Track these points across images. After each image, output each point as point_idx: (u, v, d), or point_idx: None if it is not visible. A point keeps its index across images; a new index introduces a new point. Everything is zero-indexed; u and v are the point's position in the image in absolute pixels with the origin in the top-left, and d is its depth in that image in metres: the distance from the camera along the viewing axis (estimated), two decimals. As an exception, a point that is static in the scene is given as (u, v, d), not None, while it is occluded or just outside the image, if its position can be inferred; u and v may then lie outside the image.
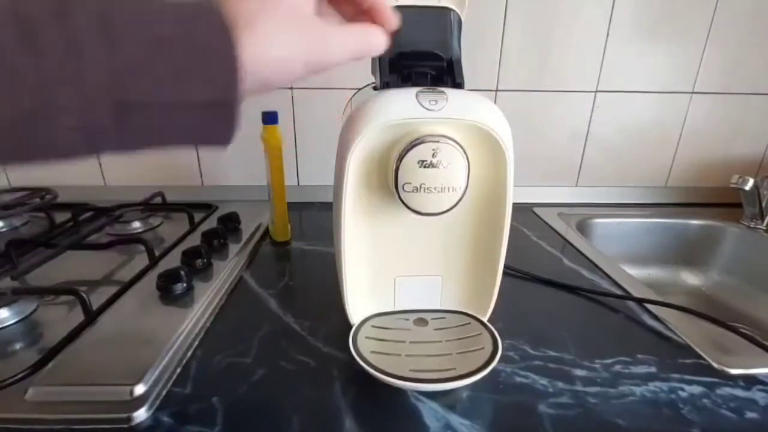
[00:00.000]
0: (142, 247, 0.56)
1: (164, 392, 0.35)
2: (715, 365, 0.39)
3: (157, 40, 0.19)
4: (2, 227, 0.69)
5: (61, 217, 0.70)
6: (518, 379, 0.37)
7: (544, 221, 0.77)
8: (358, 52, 0.26)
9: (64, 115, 0.18)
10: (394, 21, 0.28)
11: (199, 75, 0.20)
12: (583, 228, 0.77)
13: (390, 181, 0.34)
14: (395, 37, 0.29)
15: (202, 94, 0.20)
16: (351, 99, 0.43)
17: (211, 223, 0.68)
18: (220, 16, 0.20)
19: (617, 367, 0.39)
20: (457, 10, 0.35)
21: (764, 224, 0.75)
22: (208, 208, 0.77)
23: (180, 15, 0.19)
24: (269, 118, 0.60)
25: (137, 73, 0.18)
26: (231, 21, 0.20)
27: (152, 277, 0.50)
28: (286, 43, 0.22)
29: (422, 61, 0.34)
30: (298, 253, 0.63)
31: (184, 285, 0.48)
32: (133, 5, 0.19)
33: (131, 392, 0.34)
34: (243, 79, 0.20)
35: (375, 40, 0.27)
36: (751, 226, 0.76)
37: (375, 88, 0.36)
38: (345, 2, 0.29)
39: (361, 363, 0.35)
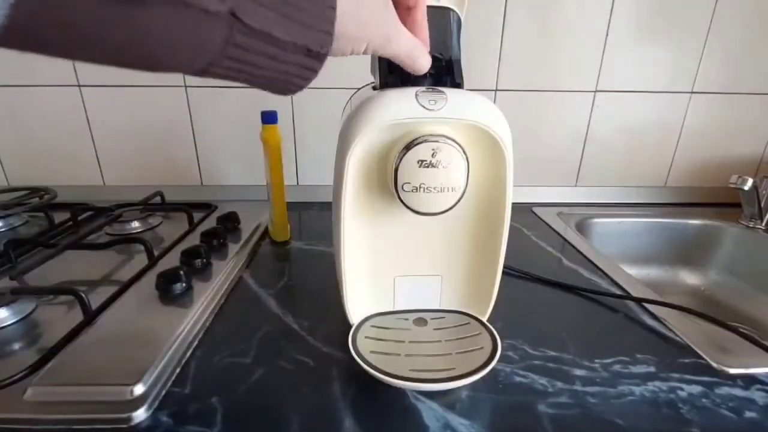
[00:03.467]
0: (141, 247, 0.56)
1: (163, 392, 0.35)
2: (714, 365, 0.39)
3: None
4: (1, 227, 0.69)
5: (60, 216, 0.70)
6: (518, 379, 0.37)
7: (544, 221, 0.77)
8: (407, 59, 0.29)
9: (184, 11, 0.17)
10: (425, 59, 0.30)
11: (304, 19, 0.21)
12: (582, 228, 0.77)
13: (389, 181, 0.34)
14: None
15: (303, 38, 0.21)
16: (351, 99, 0.43)
17: (211, 222, 0.68)
18: None
19: (616, 367, 0.39)
20: (457, 10, 0.35)
21: (763, 224, 0.75)
22: (207, 207, 0.77)
23: None
24: (268, 117, 0.60)
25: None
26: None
27: (151, 276, 0.50)
28: (363, 22, 0.24)
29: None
30: (298, 252, 0.63)
31: (184, 285, 0.48)
32: None
33: (131, 392, 0.34)
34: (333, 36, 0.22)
35: (423, 58, 0.29)
36: (750, 225, 0.76)
37: (375, 88, 0.36)
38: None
39: (361, 363, 0.35)
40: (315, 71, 0.23)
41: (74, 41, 0.17)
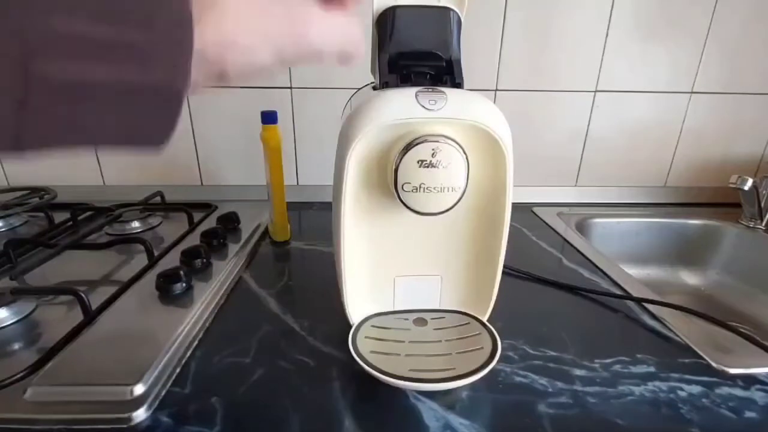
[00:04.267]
0: (141, 247, 0.56)
1: (163, 392, 0.35)
2: (714, 365, 0.39)
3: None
4: (1, 227, 0.69)
5: (59, 216, 0.70)
6: (517, 379, 0.37)
7: (544, 221, 0.77)
8: (341, 45, 0.23)
9: None
10: None
11: (145, 54, 0.16)
12: (582, 228, 0.77)
13: (389, 181, 0.34)
14: (395, 36, 0.28)
15: (144, 75, 0.17)
16: (351, 99, 0.43)
17: (211, 222, 0.68)
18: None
19: (616, 367, 0.39)
20: (457, 10, 0.35)
21: (763, 224, 0.75)
22: (207, 207, 0.77)
23: None
24: (268, 117, 0.60)
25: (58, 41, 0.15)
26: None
27: (151, 276, 0.50)
28: (253, 27, 0.19)
29: (422, 60, 0.34)
30: (298, 252, 0.63)
31: (184, 285, 0.48)
32: None
33: (131, 392, 0.34)
34: (192, 66, 0.17)
35: (357, 34, 0.24)
36: (750, 225, 0.76)
37: (374, 88, 0.36)
38: None
39: (361, 363, 0.35)
40: (175, 111, 0.18)
41: None
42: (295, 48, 0.21)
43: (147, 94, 0.17)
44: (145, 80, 0.17)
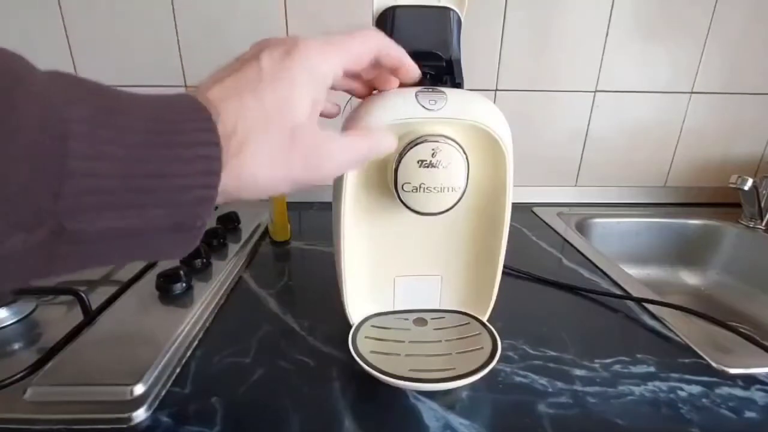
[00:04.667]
0: (141, 247, 0.56)
1: (164, 392, 0.35)
2: (714, 365, 0.39)
3: (125, 161, 0.16)
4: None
5: (60, 216, 0.70)
6: (517, 379, 0.37)
7: (544, 221, 0.77)
8: (358, 162, 0.26)
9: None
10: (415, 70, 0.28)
11: (167, 199, 0.17)
12: (582, 228, 0.77)
13: (389, 181, 0.34)
14: (395, 36, 0.29)
15: (166, 219, 0.17)
16: (351, 99, 0.43)
17: (211, 222, 0.68)
18: (210, 136, 0.18)
19: (616, 367, 0.39)
20: (457, 10, 0.35)
21: (763, 224, 0.75)
22: (207, 207, 0.77)
23: (156, 126, 0.17)
24: (269, 117, 0.60)
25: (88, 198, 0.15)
26: (220, 143, 0.18)
27: (151, 276, 0.50)
28: (274, 164, 0.20)
29: (422, 60, 0.34)
30: (298, 252, 0.63)
31: (184, 285, 0.48)
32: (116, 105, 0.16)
33: (131, 392, 0.34)
34: (212, 208, 0.18)
35: (385, 143, 0.27)
36: (750, 225, 0.76)
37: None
38: (355, 79, 0.29)
39: (361, 363, 0.35)
40: (189, 242, 0.19)
41: None
42: (308, 179, 0.22)
43: (169, 233, 0.18)
44: (168, 224, 0.18)
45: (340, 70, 0.24)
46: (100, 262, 0.17)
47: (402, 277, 0.41)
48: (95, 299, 0.45)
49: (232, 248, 0.60)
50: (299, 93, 0.21)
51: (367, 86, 0.32)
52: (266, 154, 0.20)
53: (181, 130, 0.17)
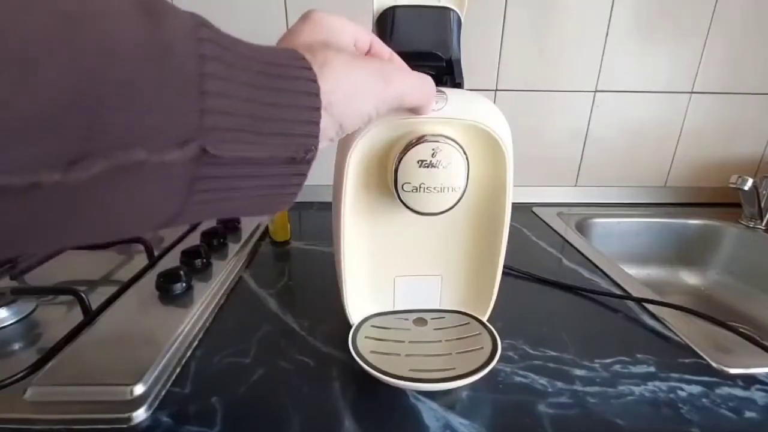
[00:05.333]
0: (141, 247, 0.56)
1: (164, 392, 0.35)
2: (714, 365, 0.39)
3: (251, 88, 0.17)
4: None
5: (60, 216, 0.70)
6: (517, 379, 0.37)
7: (544, 221, 0.77)
8: (419, 96, 0.27)
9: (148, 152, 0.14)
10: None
11: (282, 129, 0.18)
12: (582, 228, 0.77)
13: (389, 181, 0.34)
14: (395, 36, 0.29)
15: (283, 150, 0.18)
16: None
17: (211, 222, 0.68)
18: (305, 63, 0.19)
19: (616, 367, 0.39)
20: (457, 10, 0.35)
21: (763, 224, 0.75)
22: (207, 207, 0.77)
23: (269, 62, 0.18)
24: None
25: (225, 121, 0.16)
26: (317, 80, 0.19)
27: (151, 276, 0.49)
28: (356, 82, 0.22)
29: (422, 60, 0.34)
30: (298, 252, 0.63)
31: (184, 285, 0.48)
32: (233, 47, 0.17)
33: (131, 392, 0.34)
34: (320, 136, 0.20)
35: (430, 87, 0.28)
36: (750, 225, 0.76)
37: (374, 88, 0.36)
38: None
39: (361, 363, 0.35)
40: (304, 175, 0.20)
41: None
42: (384, 96, 0.23)
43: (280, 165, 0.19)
44: (284, 155, 0.19)
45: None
46: (228, 197, 0.18)
47: (402, 277, 0.41)
48: (95, 299, 0.45)
49: (232, 248, 0.60)
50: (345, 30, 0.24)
51: None
52: (348, 74, 0.22)
53: (288, 66, 0.19)
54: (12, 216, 0.13)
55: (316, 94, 0.19)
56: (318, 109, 0.19)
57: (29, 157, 0.12)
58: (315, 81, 0.19)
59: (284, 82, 0.18)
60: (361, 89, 0.22)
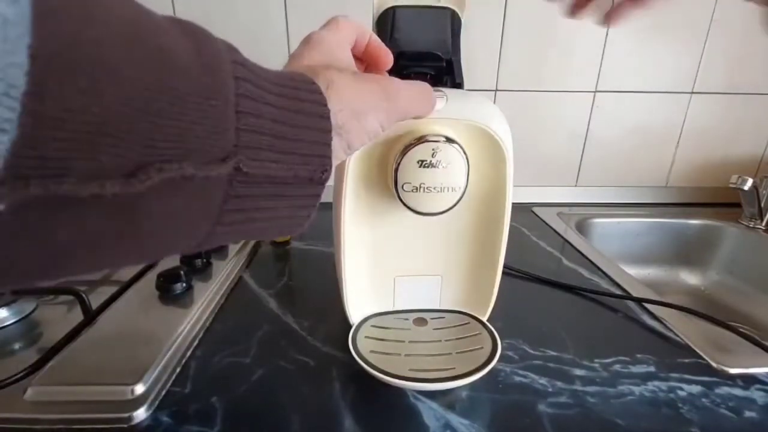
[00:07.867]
0: (141, 247, 0.56)
1: (164, 392, 0.35)
2: (714, 365, 0.39)
3: (275, 108, 0.17)
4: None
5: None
6: (517, 379, 0.37)
7: (544, 221, 0.77)
8: (422, 107, 0.27)
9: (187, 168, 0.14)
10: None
11: (301, 149, 0.19)
12: (582, 228, 0.77)
13: (389, 181, 0.34)
14: (395, 36, 0.29)
15: (303, 169, 0.19)
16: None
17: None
18: (315, 87, 0.20)
19: (616, 367, 0.39)
20: (457, 10, 0.35)
21: (763, 224, 0.75)
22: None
23: (285, 85, 0.19)
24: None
25: (255, 140, 0.17)
26: (327, 103, 0.20)
27: (151, 276, 0.50)
28: (361, 102, 0.22)
29: (422, 61, 0.35)
30: (298, 252, 0.63)
31: (184, 285, 0.48)
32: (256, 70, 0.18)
33: (131, 392, 0.34)
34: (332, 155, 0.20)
35: (430, 96, 0.28)
36: (750, 225, 0.76)
37: (374, 88, 0.36)
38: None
39: (361, 362, 0.35)
40: (318, 196, 0.21)
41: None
42: (388, 113, 0.24)
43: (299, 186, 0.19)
44: (305, 175, 0.19)
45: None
46: (252, 218, 0.18)
47: (402, 277, 0.41)
48: (95, 299, 0.45)
49: (232, 248, 0.60)
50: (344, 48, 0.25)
51: None
52: (351, 91, 0.22)
53: (300, 89, 0.19)
54: (64, 230, 0.12)
55: (327, 117, 0.20)
56: (329, 131, 0.20)
57: (96, 166, 0.12)
58: (325, 104, 0.20)
59: (300, 104, 0.19)
60: (366, 108, 0.23)
